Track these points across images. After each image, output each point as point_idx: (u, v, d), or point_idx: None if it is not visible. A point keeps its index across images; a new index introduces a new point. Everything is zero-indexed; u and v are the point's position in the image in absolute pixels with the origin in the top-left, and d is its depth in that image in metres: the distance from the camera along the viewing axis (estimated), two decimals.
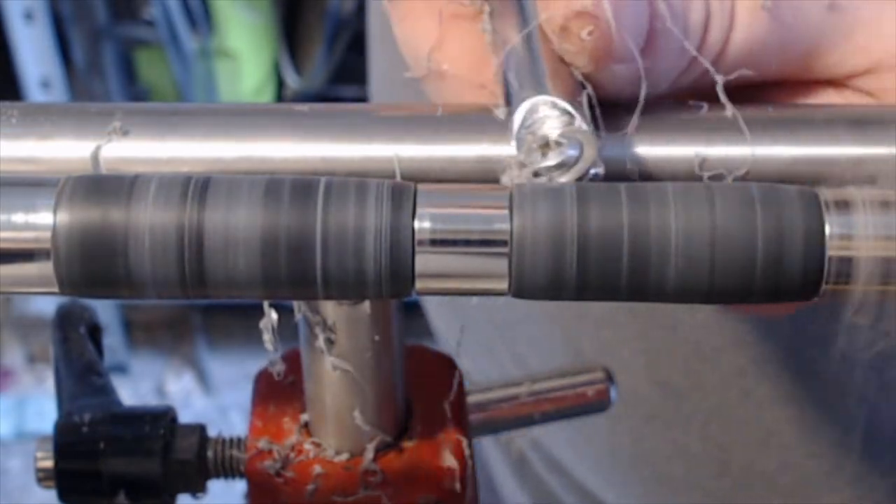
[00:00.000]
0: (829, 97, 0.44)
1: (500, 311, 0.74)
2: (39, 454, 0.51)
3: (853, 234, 0.36)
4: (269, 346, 0.42)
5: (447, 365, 0.52)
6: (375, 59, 0.81)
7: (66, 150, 0.40)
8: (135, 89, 2.17)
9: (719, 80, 0.40)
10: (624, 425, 0.71)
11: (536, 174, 0.38)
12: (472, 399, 0.55)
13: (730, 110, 0.41)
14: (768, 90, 0.44)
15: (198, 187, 0.37)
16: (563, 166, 0.38)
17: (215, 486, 0.52)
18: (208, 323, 2.33)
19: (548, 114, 0.38)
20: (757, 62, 0.42)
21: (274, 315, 0.43)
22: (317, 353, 0.45)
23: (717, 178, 0.40)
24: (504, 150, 0.40)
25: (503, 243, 0.36)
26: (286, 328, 0.46)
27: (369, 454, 0.47)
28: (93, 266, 0.36)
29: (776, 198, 0.36)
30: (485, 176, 0.40)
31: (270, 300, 0.39)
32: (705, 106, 0.41)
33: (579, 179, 0.38)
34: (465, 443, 0.49)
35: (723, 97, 0.40)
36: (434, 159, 0.40)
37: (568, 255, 0.36)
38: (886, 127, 0.40)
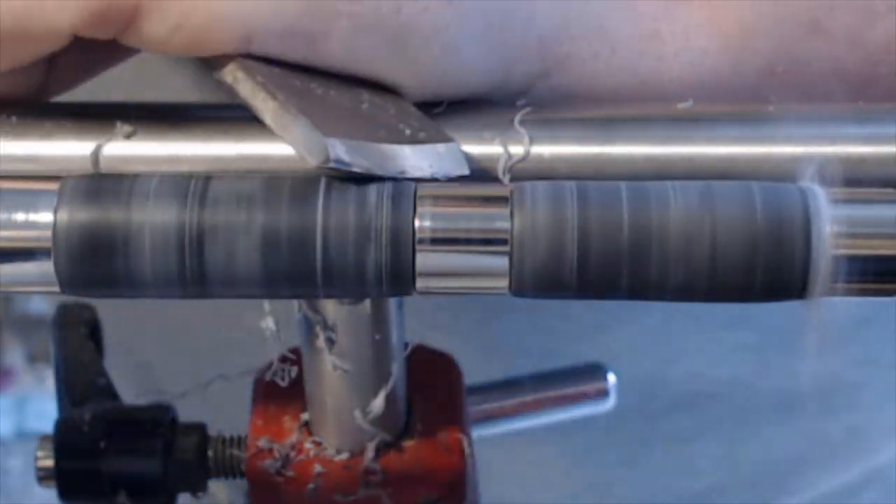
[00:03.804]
0: None
1: None
2: (40, 453, 0.51)
3: (854, 233, 0.36)
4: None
5: (447, 364, 0.52)
6: None
7: (67, 149, 0.40)
8: None
9: None
10: None
11: None
12: (472, 398, 0.55)
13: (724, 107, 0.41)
14: None
15: (198, 187, 0.37)
16: None
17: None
18: None
19: None
20: None
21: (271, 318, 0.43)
22: (317, 353, 0.45)
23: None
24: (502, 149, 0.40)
25: (504, 242, 0.36)
26: (287, 327, 0.46)
27: (370, 453, 0.47)
28: (93, 265, 0.36)
29: (776, 196, 0.36)
30: (485, 175, 0.40)
31: (271, 299, 0.39)
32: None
33: None
34: (465, 442, 0.49)
35: None
36: None
37: (568, 253, 0.36)
38: (887, 124, 0.40)
